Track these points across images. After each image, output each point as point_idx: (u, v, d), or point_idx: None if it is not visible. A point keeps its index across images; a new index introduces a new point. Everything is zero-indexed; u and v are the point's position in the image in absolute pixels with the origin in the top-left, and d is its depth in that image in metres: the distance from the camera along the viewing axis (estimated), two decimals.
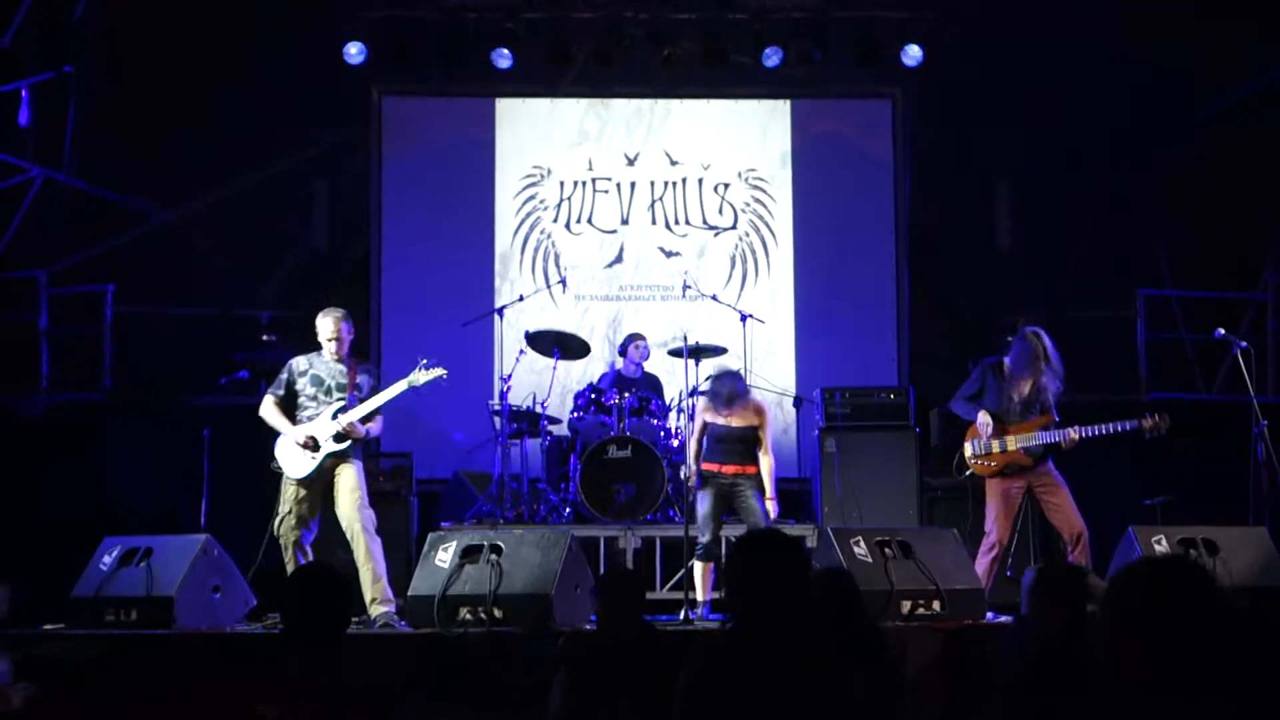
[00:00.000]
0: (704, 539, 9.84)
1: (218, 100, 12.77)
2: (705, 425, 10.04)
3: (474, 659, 8.25)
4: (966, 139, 13.40)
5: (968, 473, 9.80)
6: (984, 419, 9.66)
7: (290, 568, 9.18)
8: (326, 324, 9.44)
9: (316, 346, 9.51)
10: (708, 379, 10.64)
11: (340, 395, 9.35)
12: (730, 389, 9.95)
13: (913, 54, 13.26)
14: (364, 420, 9.32)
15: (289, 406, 9.43)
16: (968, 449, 9.75)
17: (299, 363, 9.51)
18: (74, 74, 12.68)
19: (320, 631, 4.91)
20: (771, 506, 9.86)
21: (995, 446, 9.62)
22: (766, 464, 9.95)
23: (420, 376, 9.43)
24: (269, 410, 9.42)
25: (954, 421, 10.36)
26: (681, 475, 10.41)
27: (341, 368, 9.45)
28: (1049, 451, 9.63)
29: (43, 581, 9.31)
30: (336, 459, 9.27)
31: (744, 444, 9.94)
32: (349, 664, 5.04)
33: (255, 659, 7.85)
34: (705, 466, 9.95)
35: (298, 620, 4.95)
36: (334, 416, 9.27)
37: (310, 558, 9.22)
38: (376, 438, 9.95)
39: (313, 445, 9.22)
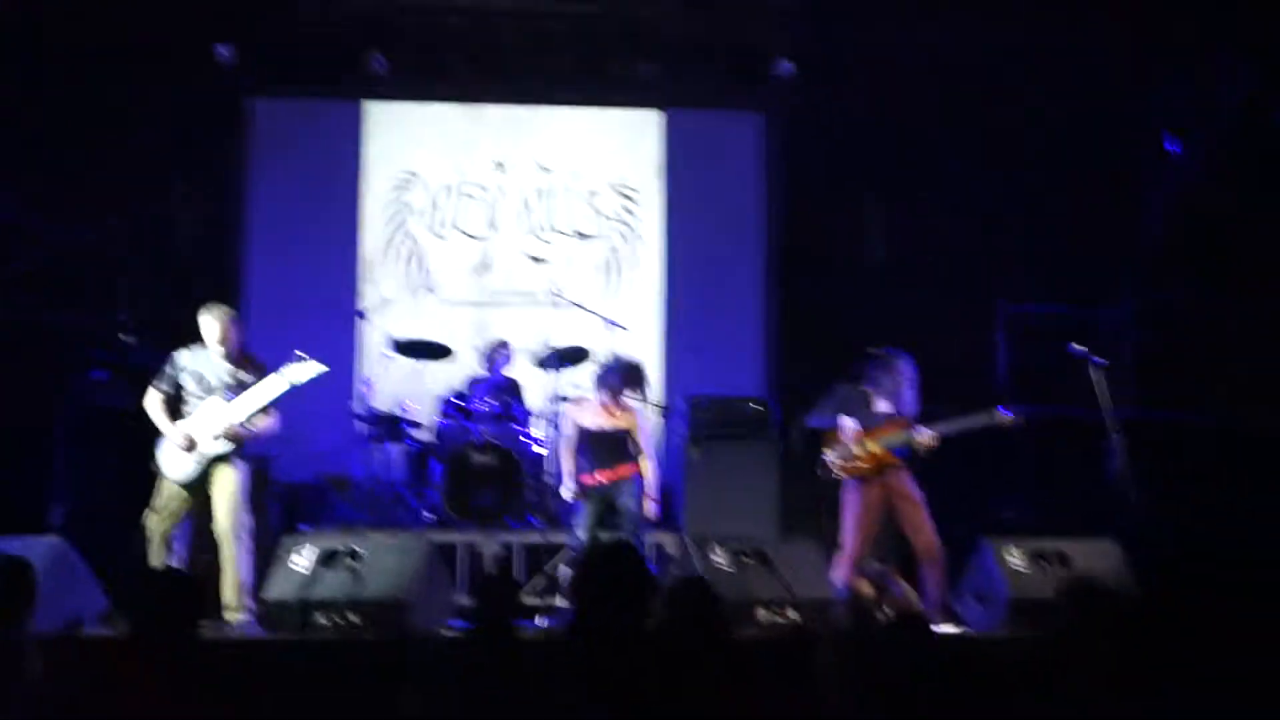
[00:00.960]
0: (580, 545, 9.87)
1: (82, 96, 12.58)
2: (578, 430, 10.04)
3: (329, 664, 8.19)
4: (837, 154, 13.48)
5: (832, 475, 9.83)
6: (846, 421, 9.72)
7: (154, 561, 8.98)
8: (211, 324, 9.19)
9: (180, 344, 9.32)
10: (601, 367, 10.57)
11: (224, 393, 9.17)
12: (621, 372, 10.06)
13: (785, 68, 13.34)
14: (250, 420, 9.12)
15: (174, 401, 9.22)
16: (829, 454, 9.80)
17: (182, 356, 9.26)
18: None
19: (169, 633, 4.86)
20: (652, 507, 9.90)
21: (857, 450, 9.69)
22: (647, 467, 9.99)
23: (300, 374, 9.07)
24: (153, 405, 9.19)
25: (815, 432, 10.41)
26: (562, 494, 10.37)
27: (228, 365, 9.21)
28: (909, 463, 9.72)
29: None
30: (218, 461, 9.12)
31: (619, 445, 9.98)
32: (201, 666, 5.00)
33: (109, 661, 7.74)
34: (583, 480, 9.97)
35: (147, 621, 4.90)
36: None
37: (175, 553, 9.04)
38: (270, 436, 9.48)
39: (192, 447, 9.09)
